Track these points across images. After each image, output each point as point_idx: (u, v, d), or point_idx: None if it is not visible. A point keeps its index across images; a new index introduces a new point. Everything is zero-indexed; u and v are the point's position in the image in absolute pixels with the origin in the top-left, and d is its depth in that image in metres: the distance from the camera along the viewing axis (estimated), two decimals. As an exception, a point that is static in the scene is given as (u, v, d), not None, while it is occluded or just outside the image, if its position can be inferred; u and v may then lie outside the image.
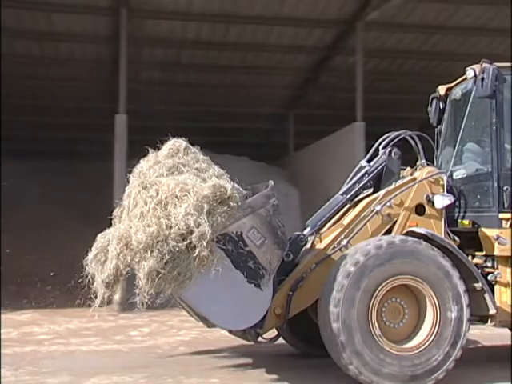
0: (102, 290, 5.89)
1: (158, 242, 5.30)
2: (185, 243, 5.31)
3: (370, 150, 7.14)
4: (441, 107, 7.62)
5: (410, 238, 6.10)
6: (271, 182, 6.06)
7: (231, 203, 5.56)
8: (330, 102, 17.64)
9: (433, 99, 7.69)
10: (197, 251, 5.30)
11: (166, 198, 5.51)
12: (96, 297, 5.93)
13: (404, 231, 6.51)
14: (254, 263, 5.69)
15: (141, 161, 6.36)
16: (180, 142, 6.30)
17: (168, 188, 5.56)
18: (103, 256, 5.95)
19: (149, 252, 5.28)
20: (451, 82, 7.18)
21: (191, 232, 5.32)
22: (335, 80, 16.55)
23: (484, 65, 6.49)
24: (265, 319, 5.97)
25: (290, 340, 7.33)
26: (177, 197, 5.49)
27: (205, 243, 5.31)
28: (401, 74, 16.44)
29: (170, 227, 5.34)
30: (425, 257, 5.95)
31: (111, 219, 6.36)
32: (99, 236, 6.23)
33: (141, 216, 5.51)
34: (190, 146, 6.30)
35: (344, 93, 15.32)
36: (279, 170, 18.80)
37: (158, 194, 5.56)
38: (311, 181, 16.38)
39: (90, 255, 6.08)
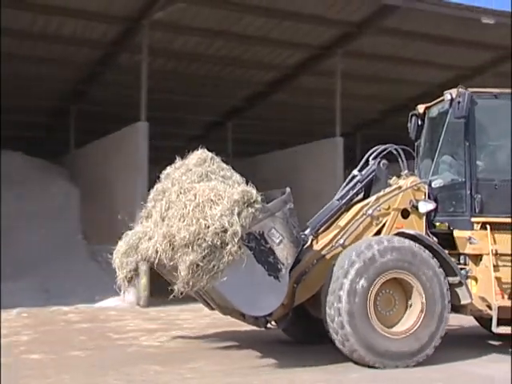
0: (126, 283, 6.93)
1: (198, 240, 6.13)
2: (220, 240, 6.16)
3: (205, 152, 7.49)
4: (419, 124, 8.60)
5: (402, 238, 7.12)
6: (288, 189, 6.89)
7: (256, 206, 6.42)
8: (115, 99, 17.19)
9: (412, 116, 8.67)
10: (229, 247, 6.16)
11: (202, 201, 6.35)
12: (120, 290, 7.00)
13: (391, 232, 7.49)
14: (273, 258, 6.53)
15: (168, 168, 7.27)
16: (206, 153, 7.19)
17: (204, 193, 6.41)
18: (133, 251, 6.82)
19: (190, 248, 6.12)
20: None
21: (225, 231, 6.17)
22: (120, 77, 16.17)
23: (460, 90, 7.53)
24: None
25: (285, 328, 7.99)
26: (212, 200, 6.35)
27: (236, 240, 6.17)
28: (186, 76, 16.58)
29: (208, 227, 6.18)
30: (413, 254, 6.96)
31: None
32: (130, 233, 7.07)
33: (181, 217, 6.34)
34: (215, 156, 7.18)
35: (129, 91, 14.97)
36: (58, 167, 17.92)
37: (195, 197, 6.41)
38: (93, 179, 15.81)
39: (120, 250, 6.98)
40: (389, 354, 6.71)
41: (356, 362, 6.80)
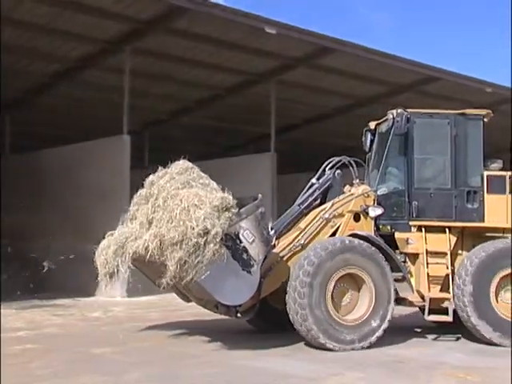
0: (107, 279, 7.80)
1: (185, 239, 7.07)
2: (203, 240, 7.08)
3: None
4: (371, 138, 9.67)
5: (355, 239, 8.17)
6: (260, 196, 7.87)
7: (232, 210, 7.37)
8: None
9: (366, 131, 9.76)
10: (211, 246, 7.10)
11: (188, 206, 7.28)
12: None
13: (345, 234, 8.51)
14: (246, 256, 7.47)
15: (151, 176, 8.09)
16: (187, 163, 8.14)
17: (189, 198, 7.36)
18: (121, 250, 7.63)
19: (178, 246, 7.07)
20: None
21: (208, 232, 7.10)
22: None
23: (399, 110, 8.80)
24: None
25: (250, 319, 8.81)
26: (196, 205, 7.29)
27: (218, 240, 7.12)
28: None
29: (193, 228, 7.10)
30: (365, 252, 8.05)
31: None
32: (116, 233, 7.88)
33: (169, 219, 7.27)
34: (194, 166, 8.12)
35: None
36: None
37: (181, 202, 7.34)
38: None
39: (109, 250, 7.72)
40: (345, 339, 7.76)
41: (319, 348, 7.79)
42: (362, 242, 8.16)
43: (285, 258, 8.33)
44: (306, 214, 8.77)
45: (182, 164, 8.12)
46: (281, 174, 18.22)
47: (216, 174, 19.78)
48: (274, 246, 8.39)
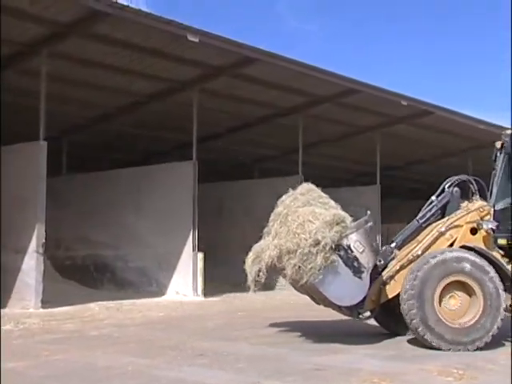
0: (253, 285, 9.16)
1: (299, 248, 8.46)
2: (315, 249, 8.41)
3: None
4: (497, 156, 10.15)
5: (464, 250, 9.02)
6: (369, 212, 9.20)
7: (344, 225, 8.65)
8: None
9: (495, 150, 10.20)
10: (322, 254, 8.40)
11: (303, 221, 8.69)
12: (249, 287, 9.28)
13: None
14: (357, 264, 8.72)
15: (283, 196, 9.49)
16: (310, 185, 9.51)
17: (305, 215, 8.76)
18: (258, 258, 9.10)
19: (294, 254, 8.50)
20: None
21: (319, 243, 8.43)
22: None
23: (508, 131, 9.51)
24: (365, 302, 9.09)
25: (382, 322, 10.17)
26: (309, 220, 8.66)
27: (327, 249, 8.42)
28: None
29: (306, 239, 8.47)
30: (473, 262, 8.81)
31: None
32: (256, 245, 9.36)
33: (288, 232, 8.73)
34: (315, 188, 9.44)
35: None
36: None
37: (299, 218, 8.77)
38: None
39: (249, 259, 9.26)
40: (450, 340, 8.51)
41: (428, 347, 8.62)
42: (470, 252, 8.94)
43: (403, 267, 9.34)
44: (425, 228, 9.69)
45: (306, 186, 9.51)
46: (203, 183, 18.20)
47: (137, 181, 19.59)
48: (395, 256, 9.44)
